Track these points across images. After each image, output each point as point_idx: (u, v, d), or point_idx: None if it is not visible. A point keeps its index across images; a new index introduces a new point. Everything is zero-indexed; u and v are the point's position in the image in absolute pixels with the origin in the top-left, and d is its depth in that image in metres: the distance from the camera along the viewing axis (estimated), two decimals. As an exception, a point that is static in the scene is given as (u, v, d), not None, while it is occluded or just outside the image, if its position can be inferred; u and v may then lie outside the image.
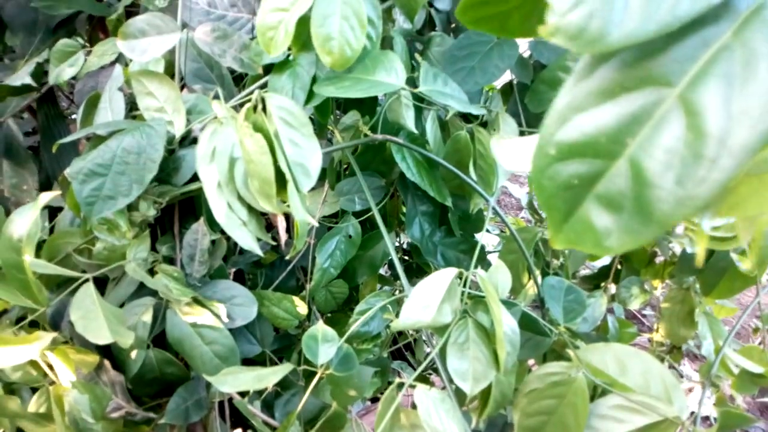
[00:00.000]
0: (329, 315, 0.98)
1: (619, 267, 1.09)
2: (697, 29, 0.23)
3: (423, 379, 1.27)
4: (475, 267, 0.61)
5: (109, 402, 0.62)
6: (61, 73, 0.81)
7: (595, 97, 0.24)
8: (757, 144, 0.22)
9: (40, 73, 0.98)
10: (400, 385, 0.52)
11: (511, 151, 0.34)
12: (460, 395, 0.64)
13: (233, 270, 0.83)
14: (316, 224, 0.56)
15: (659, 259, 1.11)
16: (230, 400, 0.75)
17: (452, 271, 0.55)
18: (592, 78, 0.25)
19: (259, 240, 0.55)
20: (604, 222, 0.25)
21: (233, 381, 0.55)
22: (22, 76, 0.90)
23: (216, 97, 0.57)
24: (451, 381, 0.56)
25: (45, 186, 1.05)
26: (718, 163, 0.22)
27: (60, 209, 0.79)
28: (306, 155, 0.47)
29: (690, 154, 0.23)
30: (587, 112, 0.24)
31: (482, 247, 0.99)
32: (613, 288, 1.10)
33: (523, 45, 0.84)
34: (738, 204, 0.29)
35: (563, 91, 0.25)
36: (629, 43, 0.22)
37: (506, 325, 0.53)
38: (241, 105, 0.59)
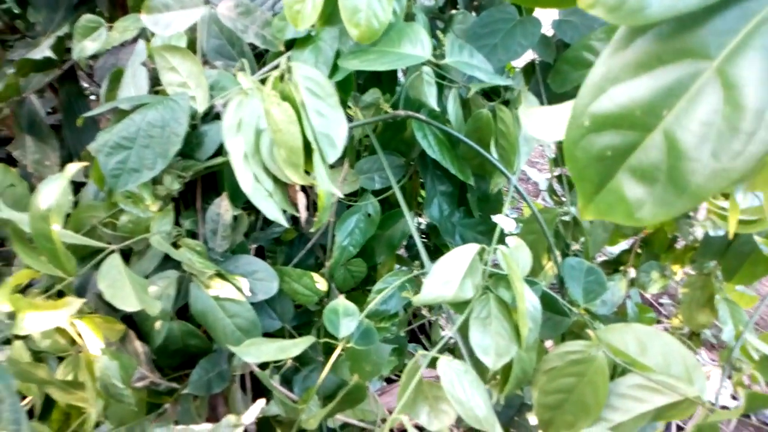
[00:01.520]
0: (347, 294, 0.98)
1: (638, 252, 1.08)
2: (737, 2, 0.22)
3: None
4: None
5: (134, 371, 0.63)
6: (84, 48, 0.81)
7: (631, 68, 0.24)
8: None
9: (61, 49, 0.99)
10: (423, 357, 0.52)
11: (541, 120, 0.34)
12: (479, 373, 0.65)
13: (254, 246, 0.83)
14: (340, 195, 0.56)
15: (680, 245, 1.10)
16: (251, 373, 0.76)
17: (474, 247, 0.55)
18: (628, 50, 0.25)
19: (284, 212, 0.55)
20: (637, 193, 0.25)
21: (256, 351, 0.56)
22: (43, 50, 0.91)
23: (241, 69, 0.57)
24: (471, 356, 0.57)
25: (66, 162, 1.06)
26: (755, 137, 0.22)
27: (82, 185, 0.80)
28: (332, 126, 0.47)
29: (727, 127, 0.23)
30: (623, 83, 0.24)
31: (500, 229, 0.98)
32: (632, 273, 1.09)
33: (546, 24, 0.83)
34: None
35: (599, 62, 0.25)
36: (669, 15, 0.22)
37: (528, 301, 0.53)
38: (264, 80, 0.59)
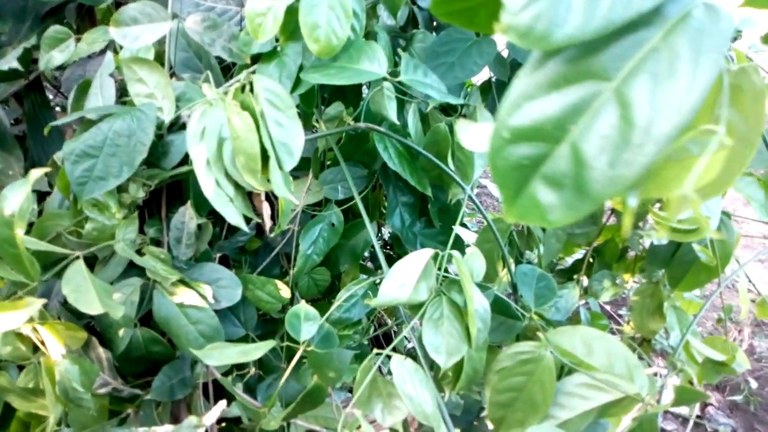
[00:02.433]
0: (311, 303, 1.00)
1: (591, 261, 1.13)
2: (633, 31, 0.26)
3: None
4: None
5: (96, 377, 0.64)
6: (51, 59, 0.82)
7: (543, 87, 0.28)
8: (674, 133, 0.26)
9: (28, 60, 1.00)
10: (377, 355, 0.55)
11: (473, 133, 0.37)
12: (435, 372, 0.67)
13: (218, 255, 0.85)
14: (299, 204, 0.59)
15: (631, 255, 1.16)
16: (214, 380, 0.77)
17: (428, 252, 0.58)
18: (541, 70, 0.28)
19: (248, 222, 0.57)
20: (549, 198, 0.28)
21: (219, 355, 0.57)
22: (10, 61, 0.91)
23: (206, 80, 0.60)
24: (426, 357, 0.59)
25: (30, 173, 1.06)
26: (643, 149, 0.26)
27: (47, 194, 0.80)
28: (290, 135, 0.50)
29: (620, 140, 0.26)
30: (536, 100, 0.28)
31: (460, 238, 1.02)
32: (585, 281, 1.14)
33: (502, 44, 0.88)
34: (663, 186, 0.33)
35: (517, 81, 0.29)
36: (571, 42, 0.26)
37: (478, 302, 0.56)
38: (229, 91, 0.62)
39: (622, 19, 0.25)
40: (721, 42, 0.26)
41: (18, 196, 0.56)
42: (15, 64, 0.91)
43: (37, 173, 0.59)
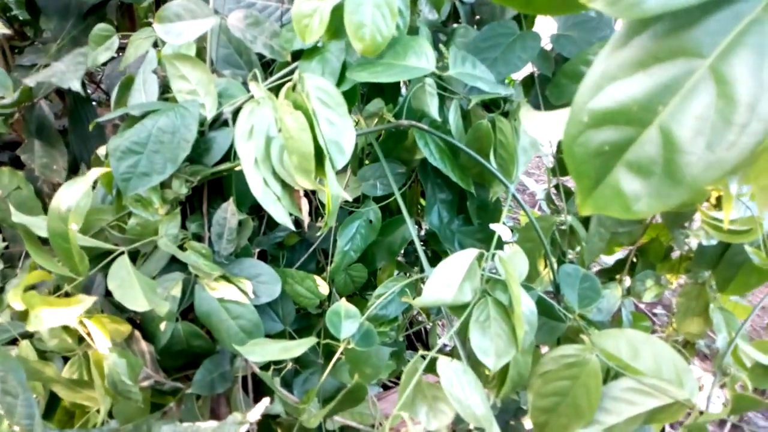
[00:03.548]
0: (347, 299, 1.00)
1: (634, 261, 1.10)
2: (729, 3, 0.24)
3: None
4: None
5: (140, 370, 0.65)
6: (98, 56, 0.83)
7: (628, 67, 0.26)
8: None
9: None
10: (423, 357, 0.54)
11: (541, 121, 0.36)
12: (477, 376, 0.66)
13: (257, 251, 0.85)
14: (349, 198, 0.58)
15: (676, 255, 1.12)
16: (252, 374, 0.78)
17: (473, 252, 0.57)
18: (625, 49, 0.26)
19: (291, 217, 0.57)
20: (634, 187, 0.26)
21: (260, 351, 0.57)
22: (71, 80, 0.85)
23: (254, 78, 0.60)
24: (469, 359, 0.58)
25: (72, 167, 1.08)
26: (747, 128, 0.24)
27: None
28: (341, 133, 0.49)
29: (720, 120, 0.24)
30: (620, 81, 0.26)
31: (498, 237, 1.00)
32: (627, 281, 1.11)
33: (545, 38, 0.86)
34: (763, 171, 0.30)
35: (597, 61, 0.27)
36: (665, 10, 0.24)
37: (524, 304, 0.55)
38: (272, 89, 0.61)
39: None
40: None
41: (75, 193, 0.57)
42: (77, 86, 0.84)
43: (96, 172, 0.60)
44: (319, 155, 0.48)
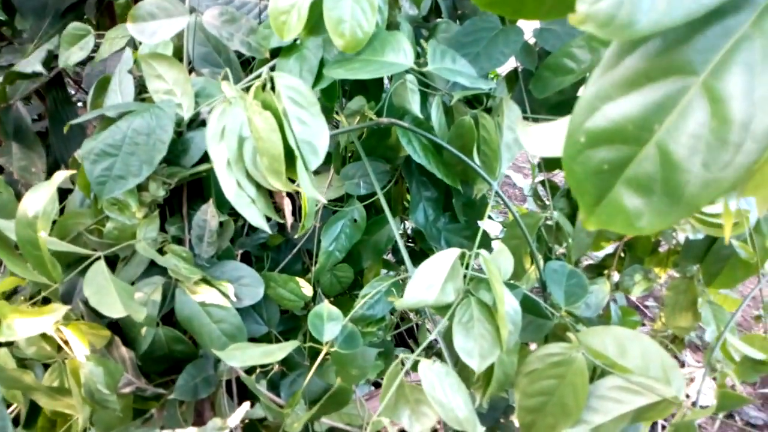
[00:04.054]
0: (334, 299, 0.99)
1: (622, 255, 1.10)
2: (719, 20, 0.24)
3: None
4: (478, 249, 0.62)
5: (120, 377, 0.64)
6: (71, 56, 0.82)
7: (621, 86, 0.26)
8: None
9: (49, 58, 0.99)
10: (402, 363, 0.53)
11: (539, 136, 0.35)
12: (464, 377, 0.65)
13: (240, 252, 0.84)
14: (325, 201, 0.57)
15: (664, 248, 1.12)
16: (237, 378, 0.77)
17: (455, 251, 0.56)
18: (618, 69, 0.26)
19: (269, 220, 0.56)
20: (635, 204, 0.26)
21: (242, 356, 0.56)
22: (33, 64, 0.91)
23: (225, 78, 0.58)
24: (455, 362, 0.58)
25: (53, 169, 1.06)
26: (742, 148, 0.24)
27: (69, 192, 0.80)
28: (314, 133, 0.48)
29: (715, 140, 0.24)
30: (615, 101, 0.26)
31: (486, 233, 1.00)
32: (616, 276, 1.10)
33: (528, 32, 0.85)
34: (761, 184, 0.30)
35: (590, 81, 0.26)
36: (657, 29, 0.23)
37: (508, 304, 0.54)
38: (249, 88, 0.60)
39: (713, 2, 0.23)
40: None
41: (41, 198, 0.56)
42: (39, 68, 0.89)
43: (61, 175, 0.58)
44: (292, 156, 0.47)
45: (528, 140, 0.36)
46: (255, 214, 0.51)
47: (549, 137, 0.36)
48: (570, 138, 0.26)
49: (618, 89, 0.26)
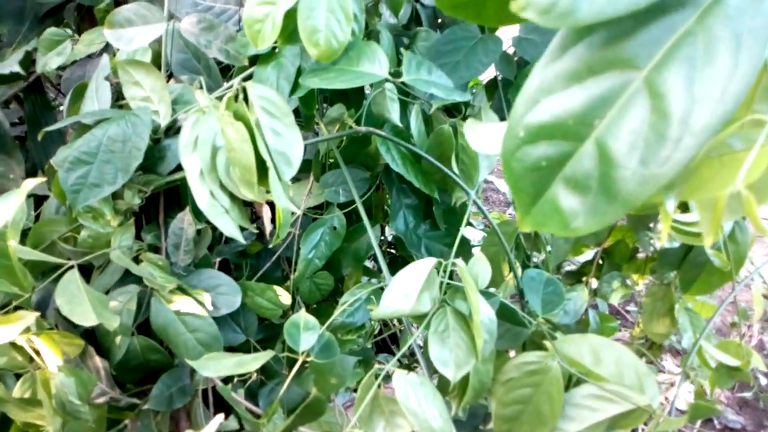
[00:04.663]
0: (315, 306, 0.99)
1: (600, 262, 1.11)
2: (663, 14, 0.24)
3: (408, 369, 1.28)
4: (457, 257, 0.63)
5: (94, 387, 0.63)
6: (49, 61, 0.81)
7: (563, 79, 0.25)
8: (717, 124, 0.23)
9: (28, 61, 0.98)
10: (378, 372, 0.53)
11: (483, 135, 0.35)
12: (442, 385, 0.65)
13: (218, 260, 0.83)
14: (299, 212, 0.57)
15: (642, 255, 1.13)
16: (214, 388, 0.76)
17: (431, 261, 0.56)
18: (560, 61, 0.25)
19: (243, 230, 0.56)
20: (571, 204, 0.26)
21: (215, 366, 0.56)
22: (11, 65, 0.90)
23: (200, 87, 0.58)
24: (432, 371, 0.58)
25: (32, 175, 1.05)
26: (680, 144, 0.23)
27: (46, 198, 0.79)
28: (287, 144, 0.48)
29: (654, 135, 0.24)
30: (556, 94, 0.25)
31: (467, 241, 1.00)
32: (595, 283, 1.11)
33: (507, 41, 0.86)
34: (700, 186, 0.30)
35: (533, 74, 0.26)
36: (598, 19, 0.23)
37: (483, 313, 0.54)
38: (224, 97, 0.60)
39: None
40: (765, 23, 0.23)
41: (11, 207, 0.55)
42: (16, 68, 0.89)
43: (31, 183, 0.58)
44: (265, 167, 0.47)
45: (473, 137, 0.36)
46: (228, 224, 0.51)
47: (493, 135, 0.36)
48: (509, 133, 0.26)
49: (560, 82, 0.25)
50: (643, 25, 0.24)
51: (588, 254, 1.17)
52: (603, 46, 0.25)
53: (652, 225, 1.00)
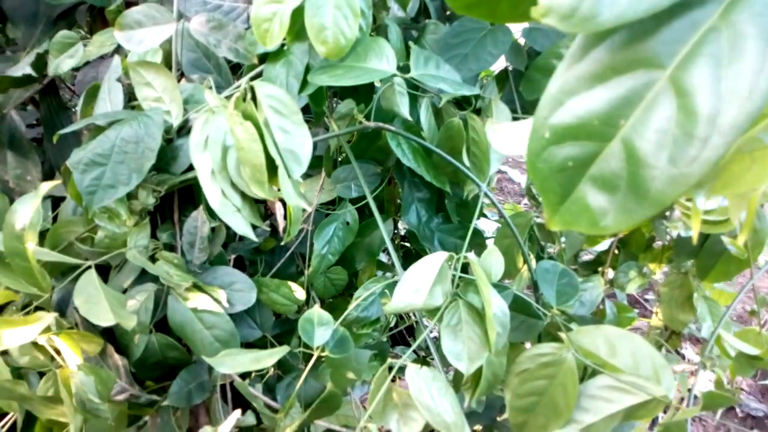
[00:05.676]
0: (329, 301, 0.99)
1: (616, 252, 1.10)
2: (685, 12, 0.23)
3: (423, 362, 1.29)
4: (470, 251, 0.63)
5: (113, 385, 0.64)
6: (61, 64, 0.82)
7: (586, 80, 0.25)
8: (745, 122, 0.23)
9: (42, 64, 1.00)
10: (392, 365, 0.53)
11: (506, 135, 0.35)
12: (456, 378, 0.66)
13: (233, 257, 0.84)
14: (309, 209, 0.58)
15: (658, 244, 1.12)
16: (232, 383, 0.77)
17: (443, 255, 0.56)
18: (583, 62, 0.25)
19: (255, 227, 0.56)
20: (600, 202, 0.26)
21: (232, 362, 0.56)
22: (23, 67, 0.92)
23: (210, 86, 0.59)
24: (442, 360, 0.58)
25: (48, 177, 1.07)
26: (709, 142, 0.23)
27: (63, 199, 0.80)
28: (296, 142, 0.48)
29: (681, 134, 0.23)
30: (579, 95, 0.25)
31: (480, 233, 1.00)
32: (611, 273, 1.11)
33: (517, 32, 0.85)
34: (730, 182, 0.29)
35: (555, 76, 0.26)
36: (620, 22, 0.23)
37: (496, 306, 0.54)
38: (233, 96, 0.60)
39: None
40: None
41: (28, 210, 0.56)
42: (29, 71, 0.91)
43: (46, 186, 0.59)
44: (275, 165, 0.47)
45: (495, 138, 0.36)
46: (240, 222, 0.52)
47: (516, 135, 0.36)
48: (534, 134, 0.26)
49: (583, 83, 0.25)
50: (665, 24, 0.24)
51: (604, 244, 1.16)
52: (625, 46, 0.24)
53: (667, 213, 0.99)
